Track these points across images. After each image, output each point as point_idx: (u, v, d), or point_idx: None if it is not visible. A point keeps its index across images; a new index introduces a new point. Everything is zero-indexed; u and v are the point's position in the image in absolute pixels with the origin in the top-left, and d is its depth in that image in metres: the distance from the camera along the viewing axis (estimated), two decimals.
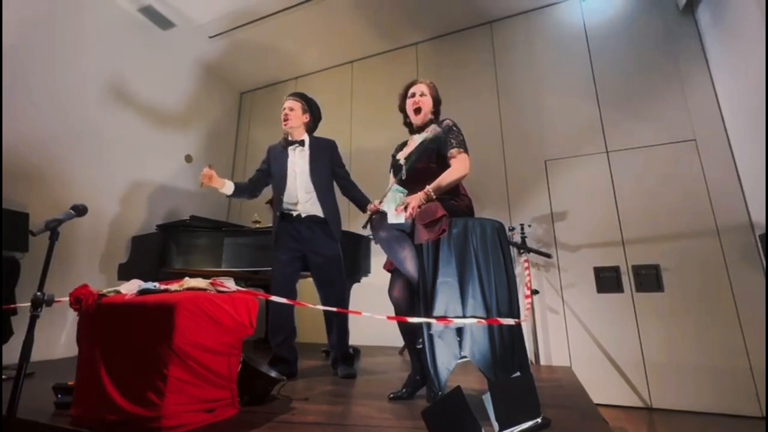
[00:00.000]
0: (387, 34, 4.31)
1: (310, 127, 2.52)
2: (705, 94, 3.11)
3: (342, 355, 2.33)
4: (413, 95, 1.95)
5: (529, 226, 3.38)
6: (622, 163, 3.27)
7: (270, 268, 2.86)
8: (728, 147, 2.96)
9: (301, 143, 2.44)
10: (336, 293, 2.32)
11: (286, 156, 2.44)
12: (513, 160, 3.67)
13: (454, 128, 1.83)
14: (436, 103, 1.98)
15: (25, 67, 3.06)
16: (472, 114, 3.79)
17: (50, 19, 3.25)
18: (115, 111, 3.70)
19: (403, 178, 1.80)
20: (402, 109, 2.04)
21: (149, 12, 3.90)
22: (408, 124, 2.05)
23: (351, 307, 2.45)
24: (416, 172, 1.79)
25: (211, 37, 4.32)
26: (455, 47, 4.22)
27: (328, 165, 2.45)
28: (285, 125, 2.42)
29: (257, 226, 3.40)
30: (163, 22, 4.03)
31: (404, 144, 2.03)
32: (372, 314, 1.64)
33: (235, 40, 4.37)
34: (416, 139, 1.89)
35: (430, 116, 1.95)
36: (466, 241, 1.58)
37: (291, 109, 2.42)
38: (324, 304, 2.20)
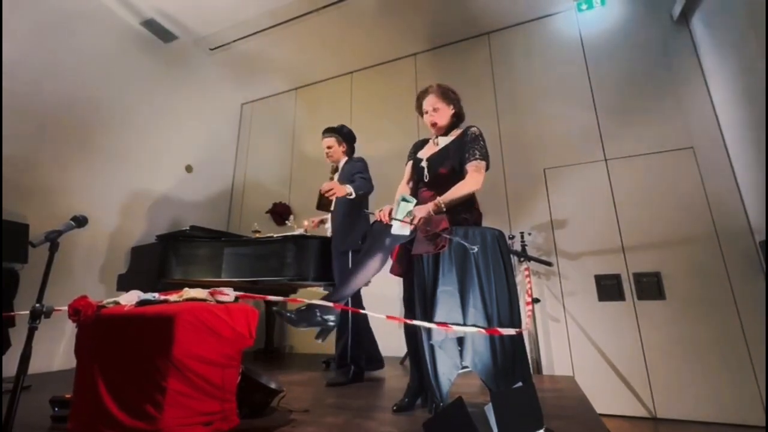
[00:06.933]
0: (386, 45, 4.36)
1: (349, 153, 2.77)
2: (701, 102, 3.14)
3: (337, 358, 2.43)
4: (426, 112, 1.88)
5: (529, 234, 3.38)
6: (620, 171, 3.28)
7: (269, 279, 2.88)
8: (726, 154, 2.97)
9: (337, 169, 2.74)
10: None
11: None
12: (512, 169, 3.68)
13: (480, 138, 1.78)
14: (455, 105, 1.90)
15: (27, 78, 3.09)
16: (470, 123, 3.79)
17: (53, 31, 3.29)
18: (115, 122, 3.73)
19: (426, 180, 1.82)
20: (419, 113, 1.98)
21: (151, 25, 3.96)
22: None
23: (350, 316, 2.44)
24: (438, 177, 1.78)
25: (212, 50, 4.38)
26: (453, 58, 4.27)
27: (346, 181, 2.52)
28: (329, 161, 2.77)
29: (257, 236, 3.40)
30: (165, 34, 4.09)
31: (425, 141, 2.00)
32: (371, 313, 1.63)
33: (236, 52, 4.43)
34: (440, 142, 1.88)
35: (451, 120, 1.89)
36: (466, 249, 1.58)
37: (329, 147, 2.72)
38: None
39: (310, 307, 1.58)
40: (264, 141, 5.18)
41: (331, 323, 1.59)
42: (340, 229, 2.52)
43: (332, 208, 2.55)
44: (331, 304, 1.56)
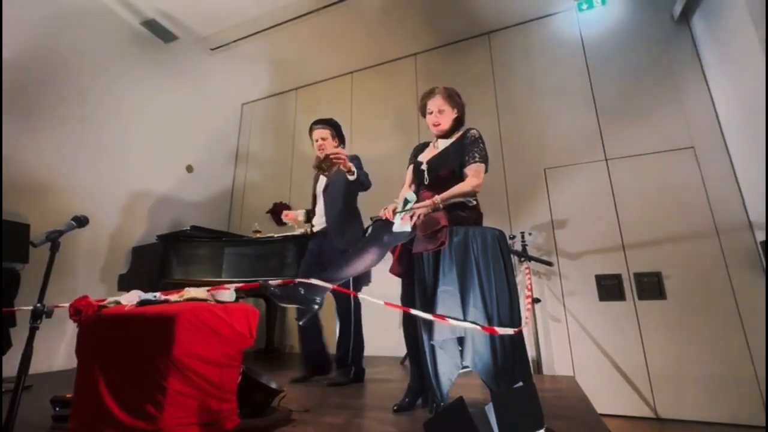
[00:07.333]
0: (386, 45, 4.36)
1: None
2: (702, 101, 3.14)
3: (337, 357, 2.40)
4: (431, 112, 1.89)
5: (530, 234, 3.38)
6: (621, 170, 3.28)
7: (270, 279, 2.86)
8: (726, 153, 2.97)
9: None
10: (342, 304, 2.42)
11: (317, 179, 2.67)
12: (512, 169, 3.68)
13: (480, 141, 1.80)
14: (459, 110, 1.91)
15: (27, 78, 3.09)
16: (471, 123, 3.80)
17: (53, 31, 3.29)
18: (116, 122, 3.73)
19: (426, 183, 1.83)
20: (422, 113, 1.98)
21: (152, 25, 3.96)
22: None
23: (352, 315, 2.44)
24: (439, 179, 1.80)
25: (212, 50, 4.38)
26: (454, 58, 4.27)
27: (341, 180, 2.38)
28: (321, 155, 2.53)
29: (258, 236, 3.40)
30: (165, 34, 4.09)
31: (425, 145, 2.01)
32: (369, 298, 1.61)
33: (237, 52, 4.42)
34: (440, 145, 1.90)
35: (453, 123, 1.90)
36: (466, 249, 1.58)
37: (323, 139, 2.55)
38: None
39: (296, 285, 1.58)
40: (264, 141, 5.18)
41: (315, 305, 1.60)
42: (337, 232, 2.44)
43: (328, 174, 2.41)
44: (326, 285, 1.56)
